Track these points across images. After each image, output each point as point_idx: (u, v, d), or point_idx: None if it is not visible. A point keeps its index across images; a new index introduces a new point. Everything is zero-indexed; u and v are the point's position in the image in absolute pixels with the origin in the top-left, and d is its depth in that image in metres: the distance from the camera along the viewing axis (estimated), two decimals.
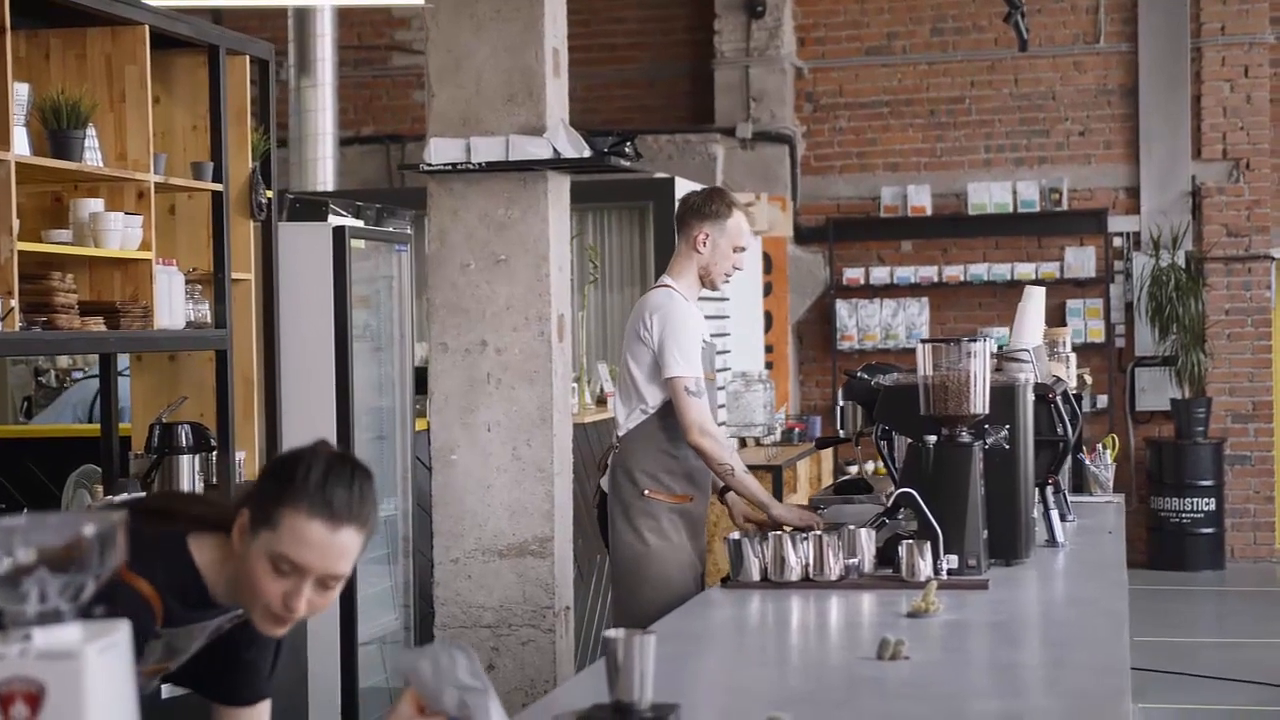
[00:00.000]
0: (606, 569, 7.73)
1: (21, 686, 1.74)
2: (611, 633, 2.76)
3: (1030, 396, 4.69)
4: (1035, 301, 5.44)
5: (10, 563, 1.78)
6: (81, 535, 1.80)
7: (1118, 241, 12.65)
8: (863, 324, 12.86)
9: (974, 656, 3.53)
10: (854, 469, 12.01)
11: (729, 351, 10.37)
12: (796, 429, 10.94)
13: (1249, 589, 11.71)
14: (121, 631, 1.82)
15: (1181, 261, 12.26)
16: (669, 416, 5.13)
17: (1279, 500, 12.68)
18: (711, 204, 5.27)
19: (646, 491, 5.15)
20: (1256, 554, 12.50)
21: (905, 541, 4.25)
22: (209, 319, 5.60)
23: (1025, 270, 12.50)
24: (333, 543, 2.56)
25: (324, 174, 10.80)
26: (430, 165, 5.75)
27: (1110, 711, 2.88)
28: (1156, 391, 12.48)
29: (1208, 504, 12.16)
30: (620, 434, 5.23)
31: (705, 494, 5.28)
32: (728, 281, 5.42)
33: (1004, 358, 5.10)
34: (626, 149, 6.03)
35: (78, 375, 8.68)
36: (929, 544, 4.22)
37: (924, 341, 4.48)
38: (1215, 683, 8.48)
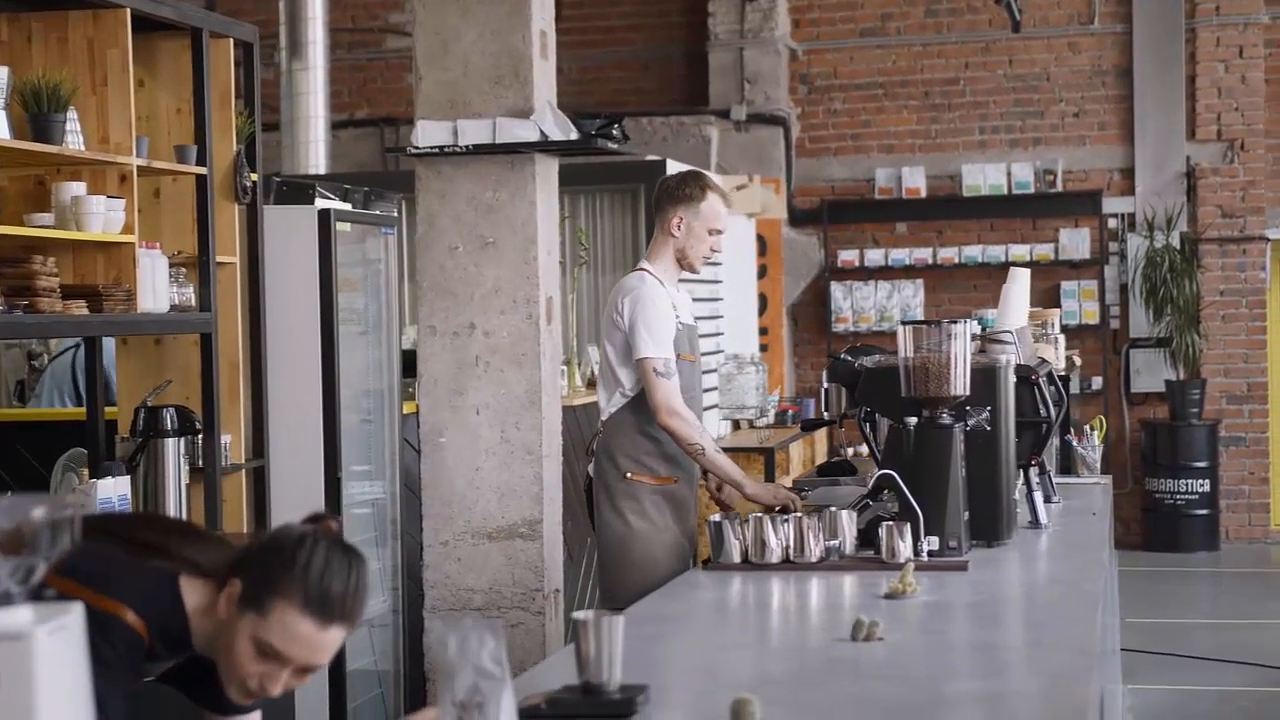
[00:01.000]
0: (595, 551, 7.75)
1: None
2: (580, 614, 2.77)
3: (1012, 378, 4.69)
4: (1020, 283, 5.44)
5: None
6: (30, 519, 1.80)
7: (1112, 223, 12.64)
8: (857, 306, 12.86)
9: (948, 637, 3.54)
10: (849, 451, 12.03)
11: (722, 334, 10.38)
12: (790, 411, 10.94)
13: (1243, 570, 11.72)
14: (73, 614, 1.82)
15: (1176, 243, 12.25)
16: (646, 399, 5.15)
17: (1274, 481, 12.69)
18: (685, 187, 5.28)
19: (629, 474, 5.18)
20: (1251, 535, 12.51)
21: (885, 523, 4.25)
22: (193, 302, 5.59)
23: (1020, 252, 12.49)
24: (321, 640, 2.58)
25: (315, 157, 10.79)
26: (417, 148, 5.75)
27: (1078, 690, 2.89)
28: (1151, 373, 12.48)
29: (1202, 485, 12.16)
30: (602, 419, 5.27)
31: (690, 475, 5.29)
32: (708, 263, 5.43)
33: (987, 339, 5.10)
34: (614, 131, 6.02)
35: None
36: (909, 525, 4.23)
37: (904, 323, 4.48)
38: (1208, 664, 8.49)
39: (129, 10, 5.23)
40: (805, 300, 13.05)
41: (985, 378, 4.55)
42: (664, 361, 5.09)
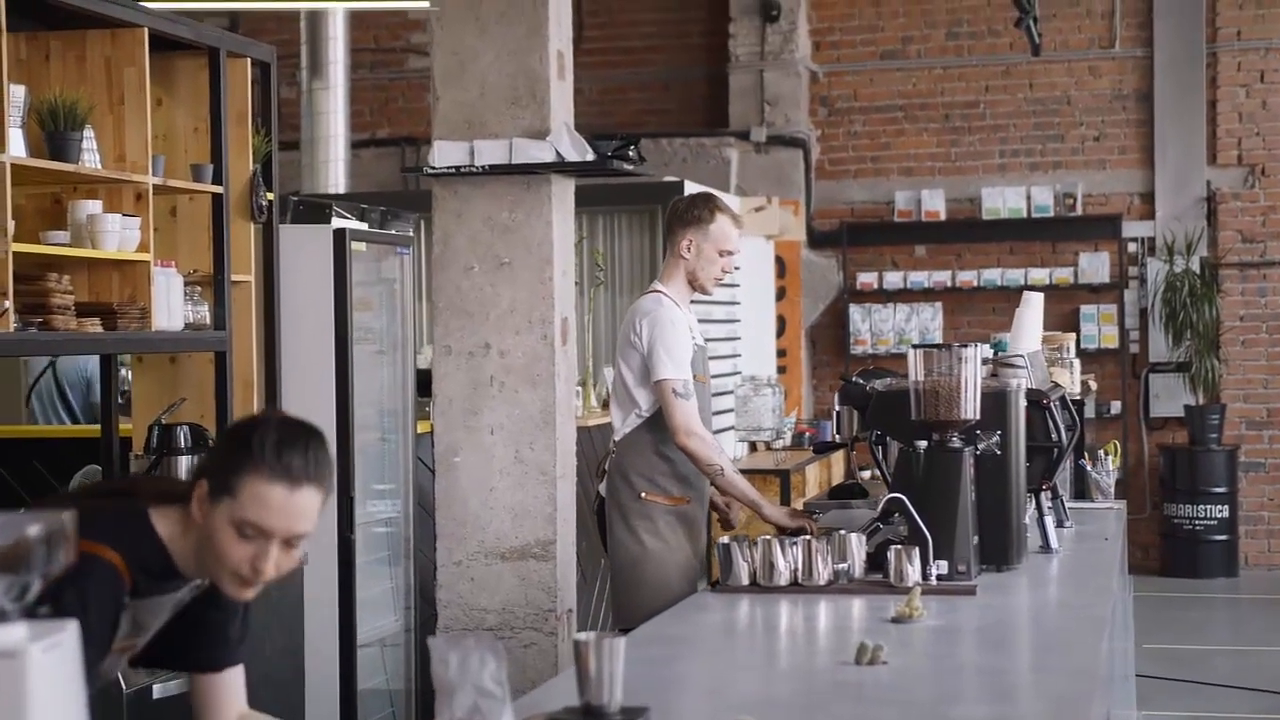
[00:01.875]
0: (608, 572, 7.75)
1: None
2: (581, 635, 2.77)
3: (1023, 402, 4.69)
4: (1033, 308, 5.43)
5: None
6: (26, 535, 1.81)
7: (1132, 247, 12.61)
8: (876, 328, 12.85)
9: (952, 662, 3.53)
10: (866, 474, 12.00)
11: (740, 355, 10.37)
12: (808, 434, 10.93)
13: (1262, 596, 11.66)
14: (67, 631, 1.83)
15: (1196, 267, 12.22)
16: (663, 419, 5.16)
17: None
18: (694, 209, 5.31)
19: (643, 495, 5.20)
20: (1270, 561, 12.45)
21: (894, 547, 4.24)
22: (208, 321, 5.62)
23: (1039, 275, 12.47)
24: (293, 504, 2.64)
25: (335, 176, 10.83)
26: (434, 168, 5.77)
27: (1081, 715, 2.88)
28: (1170, 398, 12.44)
29: (1221, 511, 12.11)
30: (616, 439, 5.30)
31: (702, 496, 5.30)
32: (720, 285, 5.46)
33: (999, 363, 5.09)
34: (630, 152, 6.03)
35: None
36: (917, 549, 4.22)
37: (915, 347, 4.47)
38: (1226, 690, 8.45)
39: (147, 30, 5.26)
40: (824, 322, 13.05)
41: (996, 402, 4.54)
42: (683, 383, 5.11)
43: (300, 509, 2.66)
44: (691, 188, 10.10)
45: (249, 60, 5.92)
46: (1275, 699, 8.27)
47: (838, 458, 11.22)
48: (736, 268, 5.57)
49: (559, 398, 5.74)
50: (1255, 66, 12.44)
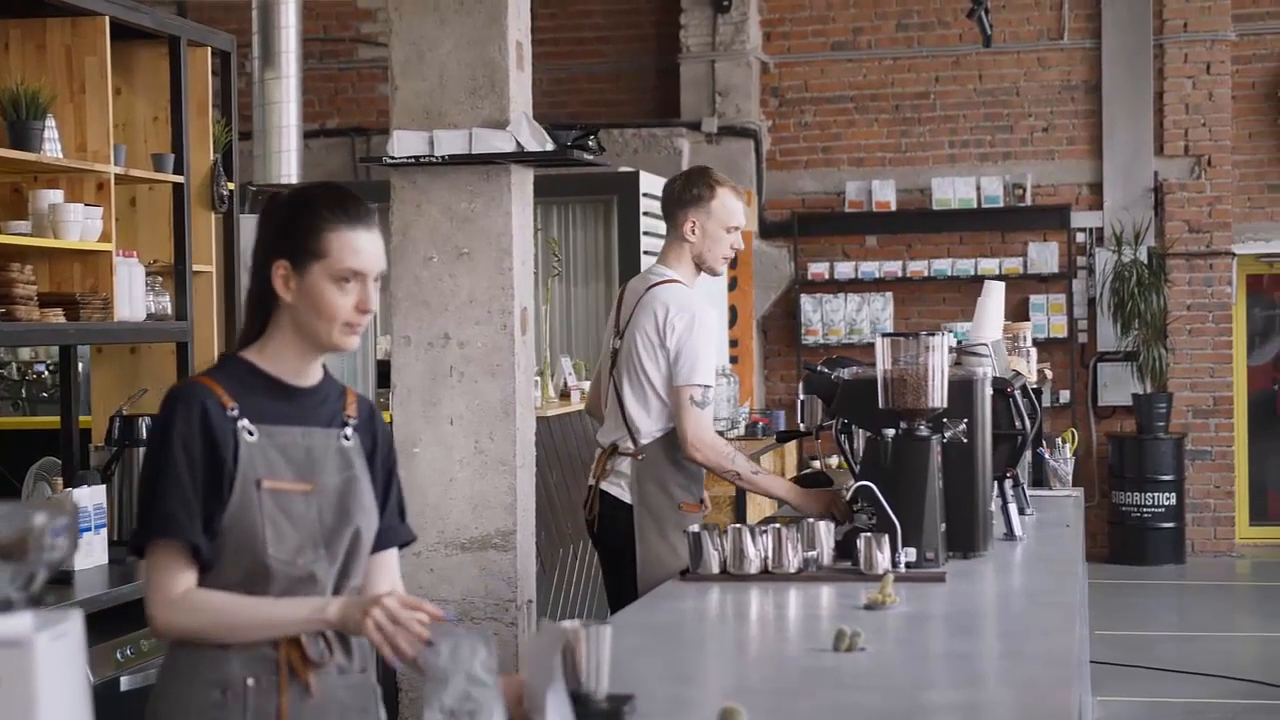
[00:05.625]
0: (569, 562, 7.75)
1: None
2: (568, 624, 2.78)
3: (989, 391, 4.71)
4: (995, 296, 5.47)
5: None
6: (31, 525, 1.80)
7: (1081, 237, 12.71)
8: (827, 319, 12.90)
9: (929, 648, 3.55)
10: (816, 463, 12.05)
11: None
12: (761, 423, 10.96)
13: (1209, 583, 11.79)
14: (73, 620, 1.83)
15: (1144, 257, 12.33)
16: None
17: (1238, 495, 12.77)
18: (693, 187, 5.06)
19: (682, 505, 4.98)
20: (1216, 548, 12.58)
21: (863, 535, 4.26)
22: (170, 311, 5.58)
23: (989, 265, 12.55)
24: (374, 243, 2.89)
25: (288, 166, 10.74)
26: (393, 158, 5.75)
27: (1059, 700, 2.91)
28: (1118, 386, 12.55)
29: (1168, 498, 12.23)
30: (642, 441, 4.99)
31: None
32: (726, 263, 5.19)
33: (963, 352, 5.12)
34: (590, 143, 6.03)
35: (40, 369, 8.64)
36: (887, 537, 4.24)
37: (883, 335, 4.49)
38: (1175, 675, 8.54)
39: (108, 18, 5.22)
40: (775, 313, 13.09)
41: (962, 390, 4.57)
42: (703, 391, 4.88)
43: (379, 247, 2.90)
44: (647, 178, 10.13)
45: (209, 49, 5.89)
46: (1223, 683, 8.36)
47: (790, 447, 11.27)
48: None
49: (519, 388, 5.73)
50: (1201, 58, 12.55)
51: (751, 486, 4.99)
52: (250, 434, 2.83)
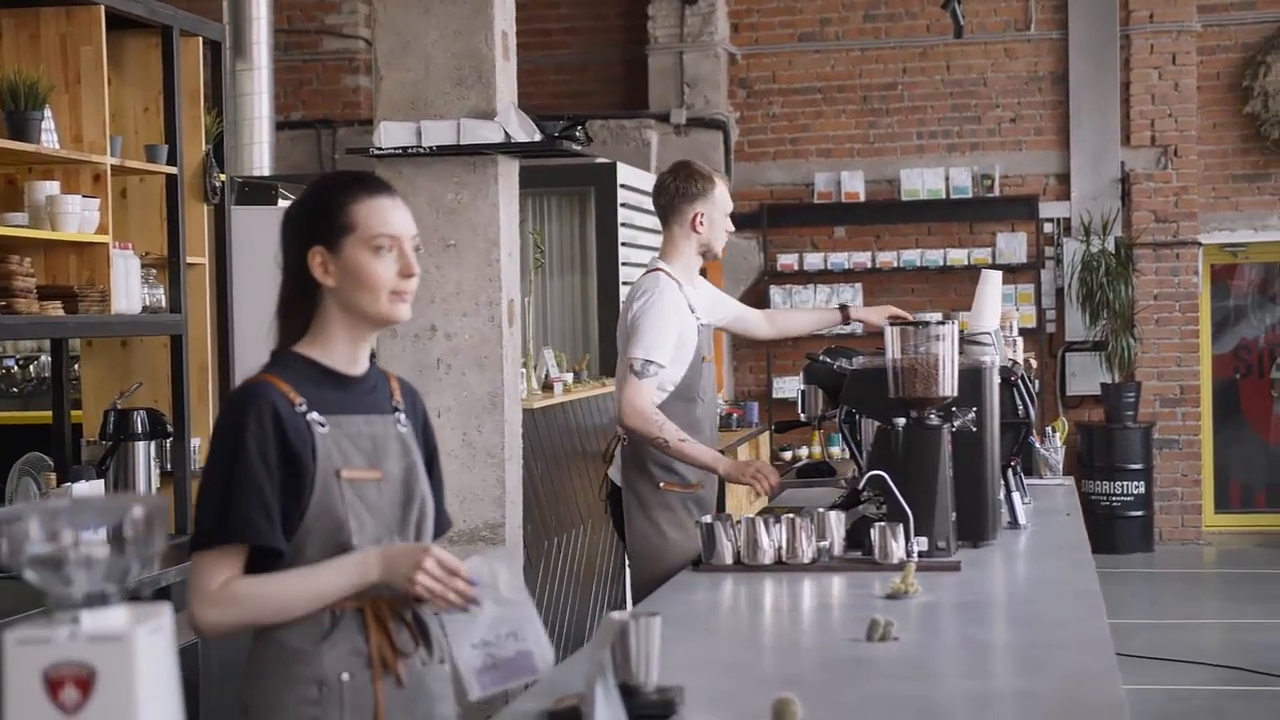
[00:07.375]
0: (554, 554, 7.72)
1: (71, 670, 1.73)
2: (617, 615, 2.76)
3: (996, 379, 4.72)
4: (993, 284, 5.47)
5: (55, 546, 1.76)
6: (128, 517, 1.78)
7: (1049, 227, 12.76)
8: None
9: (958, 637, 3.55)
10: (787, 454, 12.07)
11: None
12: (735, 414, 10.97)
13: (1177, 571, 11.87)
14: (165, 614, 1.80)
15: (1111, 247, 12.39)
16: (675, 405, 5.09)
17: (1206, 483, 12.86)
18: (696, 183, 5.24)
19: (662, 484, 5.13)
20: (1184, 536, 12.67)
21: (878, 524, 4.26)
22: (164, 303, 5.53)
23: (958, 256, 12.59)
24: (400, 207, 2.90)
25: (260, 158, 10.68)
26: (380, 149, 5.71)
27: (1107, 688, 2.91)
28: (1086, 376, 12.62)
29: (1137, 487, 12.30)
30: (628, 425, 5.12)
31: (712, 477, 5.26)
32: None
33: (966, 340, 5.12)
34: (577, 133, 6.02)
35: (9, 363, 8.55)
36: (901, 526, 4.24)
37: (893, 324, 4.49)
38: (1145, 663, 8.58)
39: (103, 8, 5.16)
40: (744, 304, 13.05)
41: (971, 378, 4.57)
42: (643, 364, 5.02)
43: (405, 213, 2.90)
44: (624, 170, 10.11)
45: (201, 39, 5.83)
46: (1193, 670, 8.43)
47: (763, 438, 11.28)
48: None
49: (506, 380, 5.72)
50: (1167, 49, 12.62)
51: (679, 455, 5.07)
52: (321, 425, 2.82)
